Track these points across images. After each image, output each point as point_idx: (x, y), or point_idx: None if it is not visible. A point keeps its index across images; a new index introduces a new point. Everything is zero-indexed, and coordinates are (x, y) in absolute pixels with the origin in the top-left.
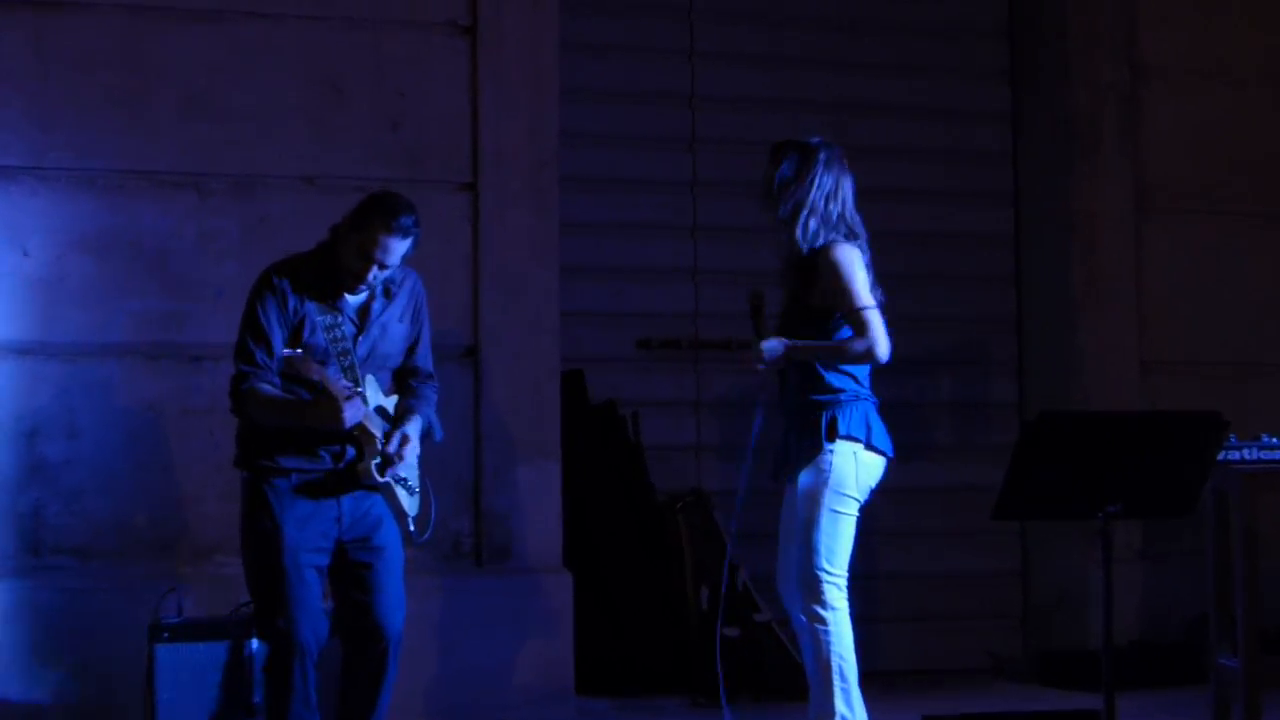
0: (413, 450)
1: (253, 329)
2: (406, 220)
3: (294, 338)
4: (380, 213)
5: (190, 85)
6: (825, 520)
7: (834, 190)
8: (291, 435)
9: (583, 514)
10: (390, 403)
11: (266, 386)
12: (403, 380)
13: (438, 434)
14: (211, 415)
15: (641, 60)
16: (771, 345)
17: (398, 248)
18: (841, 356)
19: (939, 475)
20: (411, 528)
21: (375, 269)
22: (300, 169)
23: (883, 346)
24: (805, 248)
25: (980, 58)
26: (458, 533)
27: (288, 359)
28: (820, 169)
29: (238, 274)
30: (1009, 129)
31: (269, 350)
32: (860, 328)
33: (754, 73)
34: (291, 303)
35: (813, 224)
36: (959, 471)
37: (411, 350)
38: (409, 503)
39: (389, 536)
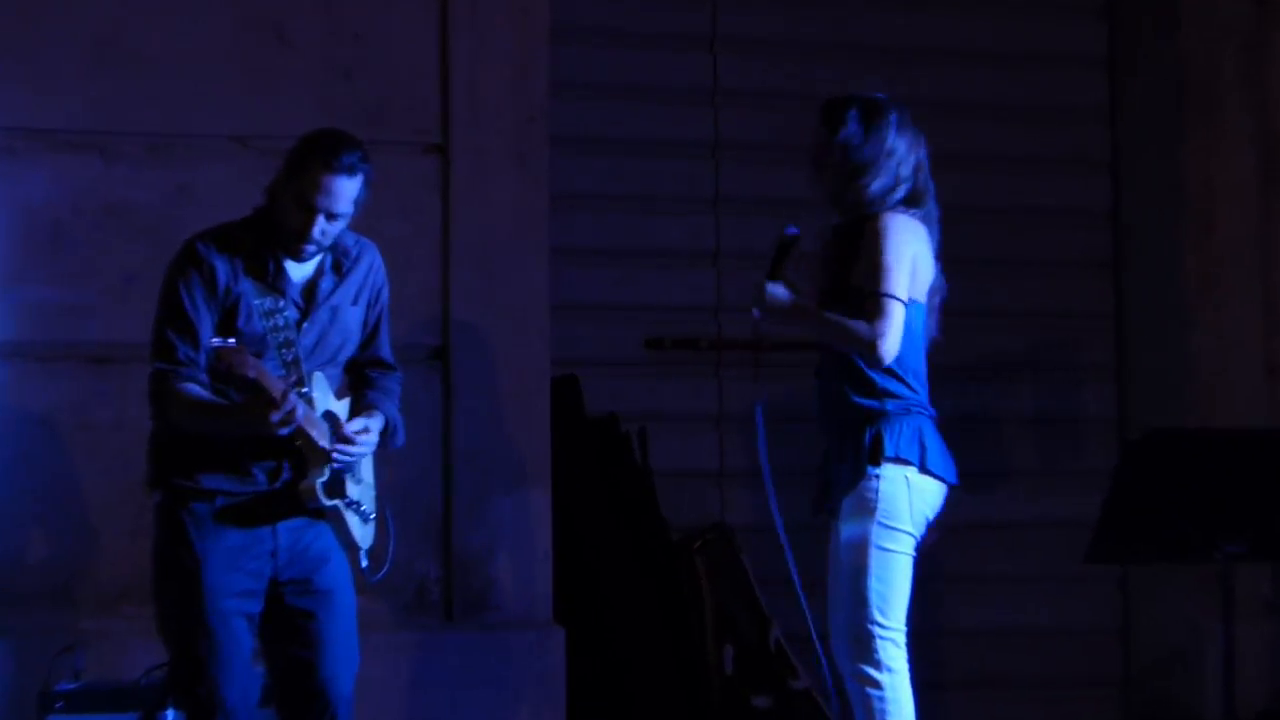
0: (369, 465)
1: (174, 316)
2: (350, 156)
3: (225, 324)
4: (318, 150)
5: (95, 25)
6: (875, 562)
7: (905, 155)
8: (215, 448)
9: (577, 554)
10: (342, 406)
11: (193, 386)
12: (358, 371)
13: (399, 437)
14: (120, 431)
15: None
16: (779, 291)
17: (345, 190)
18: (842, 336)
19: (1019, 507)
20: (365, 563)
21: (321, 221)
22: (231, 127)
23: (888, 344)
24: (854, 215)
25: None
26: (423, 578)
27: (218, 351)
28: (892, 130)
29: (153, 257)
30: (1105, 79)
31: (194, 342)
32: (872, 313)
33: (792, 9)
34: (222, 280)
35: (873, 189)
36: (1043, 503)
37: (369, 340)
38: (362, 532)
39: (337, 577)
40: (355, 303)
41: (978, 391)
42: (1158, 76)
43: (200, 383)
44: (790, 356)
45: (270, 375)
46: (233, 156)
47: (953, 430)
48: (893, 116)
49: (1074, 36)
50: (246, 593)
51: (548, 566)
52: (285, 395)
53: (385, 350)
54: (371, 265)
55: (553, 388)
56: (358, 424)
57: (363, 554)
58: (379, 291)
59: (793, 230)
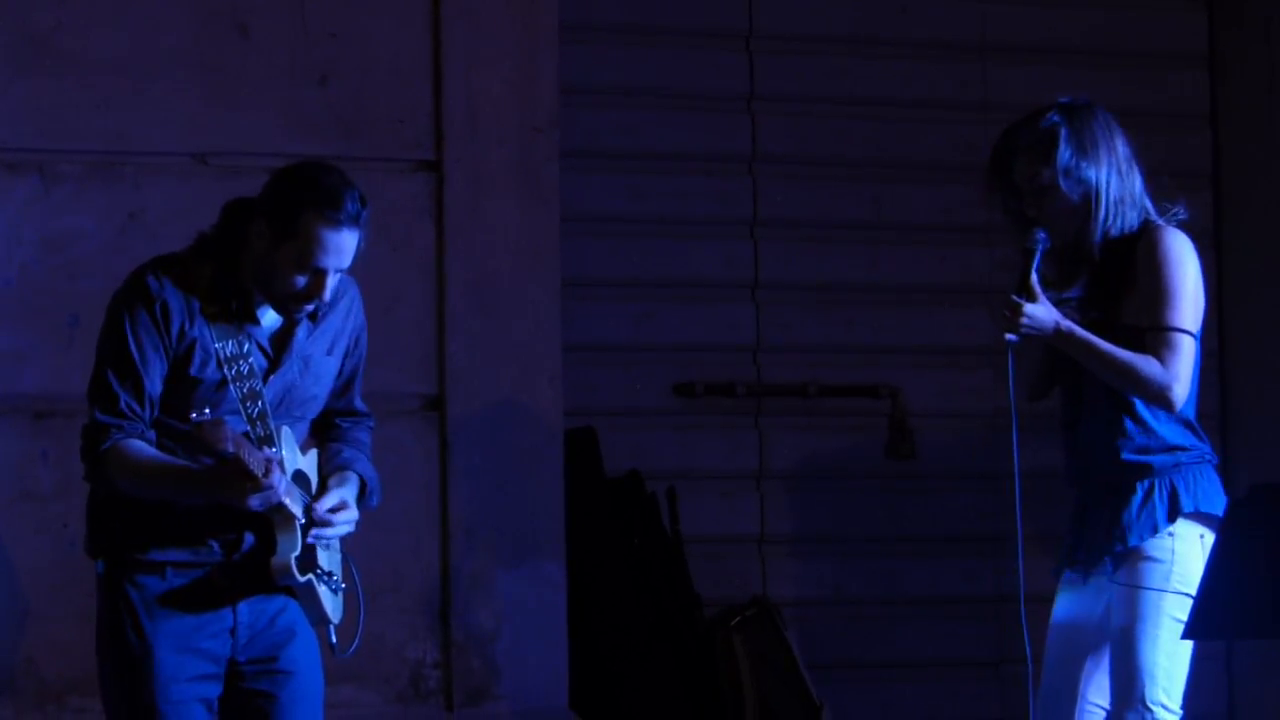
0: (343, 527)
1: (117, 359)
2: (353, 203)
3: (176, 371)
4: (313, 201)
5: (30, 24)
6: (1167, 635)
7: (1130, 162)
8: (167, 513)
9: (595, 635)
10: (310, 461)
11: (138, 445)
12: (325, 420)
13: (376, 497)
14: (65, 498)
15: None
16: (1040, 312)
17: (350, 243)
18: (1127, 377)
19: None
20: (334, 639)
21: (328, 281)
22: (188, 142)
23: (1183, 389)
24: (1115, 231)
25: None
26: (418, 663)
27: (197, 427)
28: (1114, 133)
29: (99, 294)
30: (1205, 78)
31: (138, 391)
32: (1163, 351)
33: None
34: (176, 321)
35: (1126, 206)
36: None
37: (343, 390)
38: (333, 605)
39: (303, 657)
40: (330, 352)
41: (1058, 443)
42: (1267, 74)
43: (147, 440)
44: (845, 403)
45: (251, 447)
46: (191, 176)
47: (1037, 487)
48: (1100, 115)
49: (1168, 28)
50: (203, 676)
51: (562, 649)
52: (268, 470)
53: (358, 399)
54: (350, 308)
55: (566, 442)
56: (332, 498)
57: (331, 629)
58: (357, 337)
59: (1041, 235)
